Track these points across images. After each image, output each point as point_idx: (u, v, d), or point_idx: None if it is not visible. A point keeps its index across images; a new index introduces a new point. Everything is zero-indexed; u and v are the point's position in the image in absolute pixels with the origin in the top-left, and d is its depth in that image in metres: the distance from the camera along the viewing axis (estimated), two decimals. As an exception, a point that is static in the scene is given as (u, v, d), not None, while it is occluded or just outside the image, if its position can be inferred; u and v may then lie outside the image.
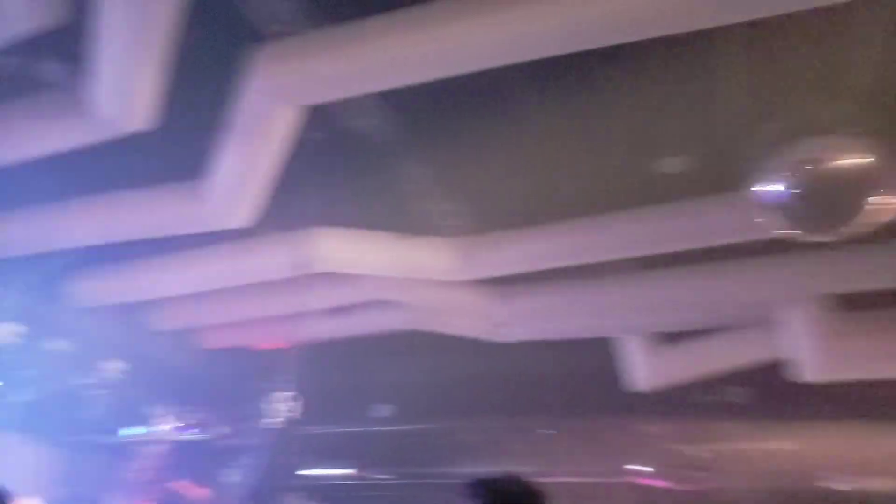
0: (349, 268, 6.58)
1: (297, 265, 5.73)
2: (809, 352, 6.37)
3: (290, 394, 4.92)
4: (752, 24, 3.85)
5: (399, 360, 8.98)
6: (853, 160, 3.88)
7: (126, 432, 8.62)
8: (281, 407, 4.85)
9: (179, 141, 5.43)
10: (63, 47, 4.69)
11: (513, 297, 7.16)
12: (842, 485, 7.10)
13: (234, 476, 7.71)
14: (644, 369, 7.52)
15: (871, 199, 3.85)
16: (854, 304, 6.28)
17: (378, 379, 9.17)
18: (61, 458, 9.56)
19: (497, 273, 6.68)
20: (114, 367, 7.42)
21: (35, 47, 4.63)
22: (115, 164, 5.46)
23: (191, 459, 8.41)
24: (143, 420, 8.43)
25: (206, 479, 8.12)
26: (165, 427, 8.28)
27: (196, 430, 8.36)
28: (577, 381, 8.08)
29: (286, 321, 7.67)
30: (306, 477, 9.23)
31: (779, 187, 3.95)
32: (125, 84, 4.47)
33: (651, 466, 7.98)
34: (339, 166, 5.79)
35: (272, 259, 6.38)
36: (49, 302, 6.84)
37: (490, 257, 6.51)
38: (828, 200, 4.11)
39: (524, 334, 7.52)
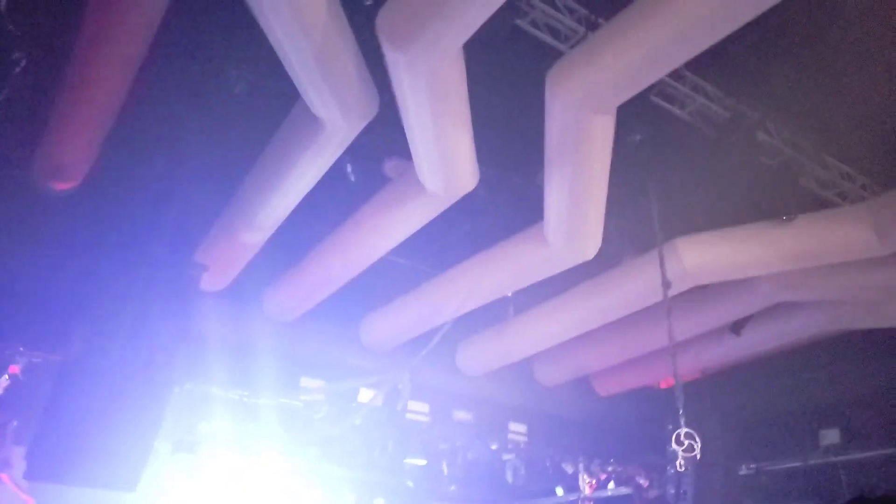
0: (731, 272, 5.50)
1: (670, 283, 4.94)
2: None
3: (685, 431, 4.09)
4: None
5: (838, 371, 7.29)
6: None
7: (559, 492, 8.55)
8: (682, 447, 4.06)
9: (501, 189, 5.25)
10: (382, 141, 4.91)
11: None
12: None
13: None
14: None
15: None
16: None
17: (817, 398, 7.55)
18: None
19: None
20: (518, 430, 7.38)
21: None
22: (455, 229, 5.47)
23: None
24: (561, 479, 8.25)
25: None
26: (586, 484, 7.95)
27: (618, 484, 7.82)
28: None
29: (682, 351, 6.81)
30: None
31: None
32: (444, 158, 4.41)
33: None
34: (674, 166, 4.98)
35: (641, 284, 5.65)
36: (449, 375, 7.12)
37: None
38: None
39: None
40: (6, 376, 5.73)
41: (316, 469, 7.54)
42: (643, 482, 7.45)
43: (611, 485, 7.85)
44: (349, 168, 4.93)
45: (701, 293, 6.06)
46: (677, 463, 4.12)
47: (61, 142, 5.14)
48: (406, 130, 4.29)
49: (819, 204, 5.46)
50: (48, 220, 5.43)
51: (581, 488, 8.06)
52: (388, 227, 5.15)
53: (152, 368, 4.99)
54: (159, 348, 5.07)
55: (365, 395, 6.67)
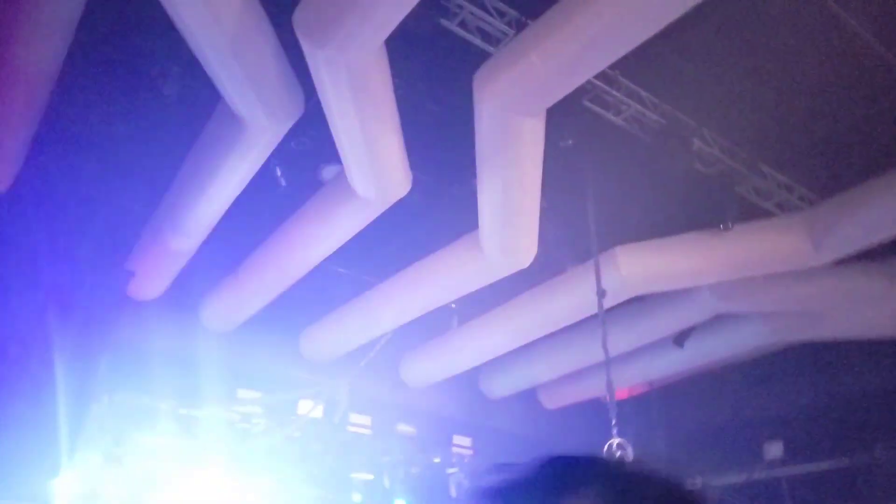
0: (670, 282, 5.48)
1: (605, 293, 4.89)
2: None
3: (617, 441, 4.02)
4: None
5: (781, 384, 7.32)
6: None
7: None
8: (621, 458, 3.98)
9: (439, 196, 5.19)
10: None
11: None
12: None
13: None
14: None
15: None
16: None
17: (761, 411, 7.56)
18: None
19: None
20: (463, 443, 7.26)
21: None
22: (388, 238, 5.38)
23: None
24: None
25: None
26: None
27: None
28: None
29: (627, 363, 6.78)
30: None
31: None
32: (373, 161, 4.31)
33: None
34: (611, 173, 4.96)
35: (581, 294, 5.60)
36: (392, 388, 7.00)
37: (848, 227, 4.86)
38: None
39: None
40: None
41: (257, 483, 7.33)
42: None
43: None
44: (278, 172, 4.81)
45: (642, 304, 6.04)
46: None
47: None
48: (333, 132, 4.20)
49: (757, 213, 5.49)
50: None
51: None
52: (320, 235, 5.04)
53: (71, 377, 4.80)
54: (80, 357, 4.88)
55: (304, 407, 6.51)
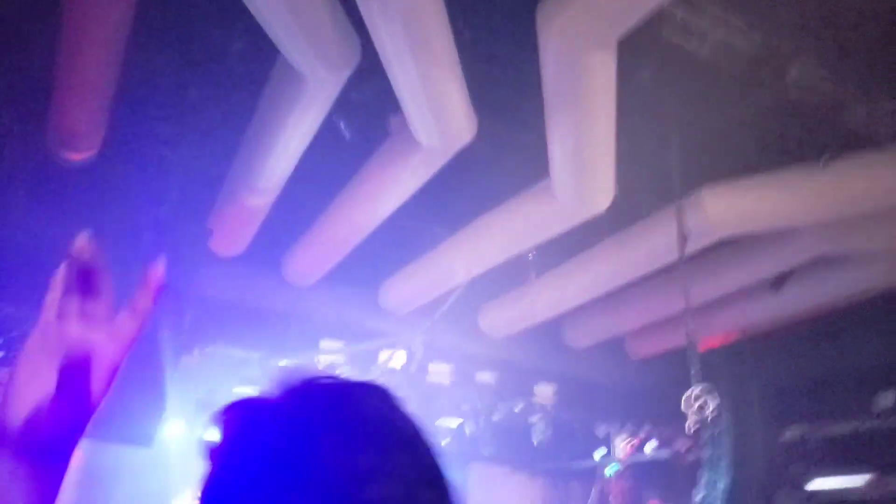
0: (762, 224, 5.09)
1: (688, 236, 4.60)
2: None
3: (698, 390, 3.83)
4: None
5: (891, 332, 6.74)
6: None
7: (597, 455, 8.37)
8: (701, 408, 3.81)
9: (508, 142, 4.99)
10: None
11: None
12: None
13: (702, 491, 6.60)
14: None
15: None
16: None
17: (870, 359, 7.02)
18: (537, 485, 9.85)
19: None
20: (545, 392, 7.17)
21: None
22: (459, 189, 5.25)
23: (655, 478, 7.62)
24: (599, 442, 8.05)
25: (676, 498, 7.19)
26: (622, 447, 7.72)
27: (657, 448, 7.54)
28: None
29: (719, 310, 6.44)
30: (812, 490, 7.47)
31: None
32: (434, 107, 4.17)
33: None
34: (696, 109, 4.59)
35: (664, 239, 5.30)
36: (471, 338, 6.96)
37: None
38: None
39: None
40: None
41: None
42: (681, 447, 7.13)
43: (648, 448, 7.57)
44: (342, 125, 4.75)
45: (735, 247, 5.67)
46: (686, 426, 3.88)
47: (66, 112, 5.15)
48: (391, 81, 4.07)
49: (863, 146, 4.97)
50: (60, 189, 5.48)
51: (615, 452, 7.83)
52: (387, 187, 4.97)
53: (160, 331, 5.02)
54: (166, 311, 5.09)
55: (384, 356, 6.60)
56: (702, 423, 3.86)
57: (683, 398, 3.93)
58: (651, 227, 5.43)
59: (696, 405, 3.82)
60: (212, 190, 5.66)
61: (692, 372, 4.03)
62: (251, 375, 6.24)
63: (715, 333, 6.93)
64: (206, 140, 5.43)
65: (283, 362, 6.36)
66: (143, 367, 5.01)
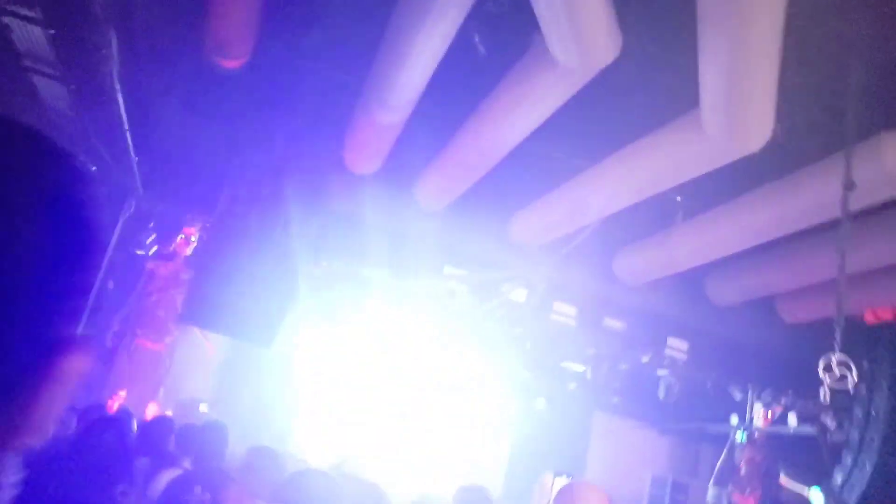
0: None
1: (855, 185, 3.96)
2: None
3: (839, 358, 3.35)
4: None
5: None
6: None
7: (734, 420, 7.83)
8: (831, 376, 3.36)
9: (655, 65, 4.51)
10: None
11: None
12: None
13: (845, 472, 5.94)
14: None
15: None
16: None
17: None
18: (665, 443, 9.45)
19: None
20: (678, 346, 6.69)
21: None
22: (600, 118, 4.86)
23: (790, 453, 6.96)
24: (734, 406, 7.47)
25: (814, 477, 6.55)
26: (759, 415, 7.11)
27: (799, 421, 6.86)
28: None
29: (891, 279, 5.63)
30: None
31: None
32: (573, 21, 3.82)
33: None
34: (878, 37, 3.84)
35: (824, 192, 4.63)
36: (603, 281, 6.62)
37: None
38: None
39: None
40: (181, 236, 6.39)
41: (468, 358, 7.60)
42: (830, 423, 6.43)
43: (791, 419, 6.90)
44: (476, 39, 4.51)
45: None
46: (821, 393, 3.42)
47: (221, 21, 5.34)
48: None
49: None
50: (211, 98, 5.75)
51: (753, 419, 7.23)
52: (520, 110, 4.69)
53: (287, 238, 5.20)
54: (295, 221, 5.25)
55: (508, 289, 6.44)
56: (841, 395, 3.39)
57: (821, 363, 3.46)
58: (815, 174, 4.76)
59: (837, 373, 3.35)
60: (348, 102, 5.69)
61: (836, 337, 3.52)
62: (373, 293, 6.37)
63: (886, 304, 6.09)
64: (346, 50, 5.43)
65: (407, 283, 6.41)
66: (270, 272, 5.24)
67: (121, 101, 4.46)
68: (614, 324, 6.53)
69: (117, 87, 4.34)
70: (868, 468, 5.65)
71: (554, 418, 8.56)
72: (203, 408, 6.78)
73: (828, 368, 3.43)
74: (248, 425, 6.25)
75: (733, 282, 6.62)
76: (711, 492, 7.48)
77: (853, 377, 3.38)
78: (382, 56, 4.79)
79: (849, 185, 3.82)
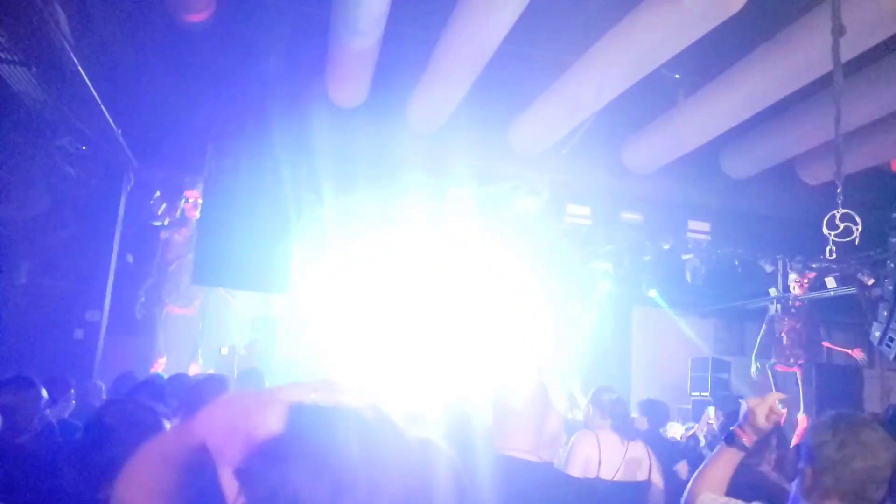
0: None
1: (844, 30, 3.67)
2: None
3: (843, 212, 3.20)
4: None
5: None
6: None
7: (773, 292, 7.68)
8: (835, 231, 3.22)
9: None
10: None
11: None
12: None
13: (883, 325, 5.79)
14: None
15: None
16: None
17: None
18: (709, 326, 9.39)
19: None
20: (699, 228, 6.50)
21: None
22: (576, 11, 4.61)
23: (830, 315, 6.83)
24: (768, 279, 7.32)
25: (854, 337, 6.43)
26: (795, 283, 6.93)
27: (837, 283, 6.68)
28: None
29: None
30: None
31: None
32: None
33: None
34: None
35: (818, 44, 4.32)
36: (614, 176, 6.44)
37: None
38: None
39: None
40: (187, 200, 6.44)
41: (494, 280, 7.59)
42: (867, 279, 6.24)
43: (830, 282, 6.72)
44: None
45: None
46: (827, 250, 3.29)
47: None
48: None
49: None
50: (185, 52, 5.64)
51: (790, 288, 7.07)
52: (490, 7, 4.45)
53: (279, 184, 5.17)
54: (284, 162, 5.21)
55: (516, 198, 6.33)
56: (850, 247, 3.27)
57: (826, 219, 3.31)
58: (806, 27, 4.45)
59: (841, 227, 3.20)
60: (322, 38, 5.53)
61: (838, 191, 3.34)
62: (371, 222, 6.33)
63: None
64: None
65: (406, 212, 6.37)
66: (267, 219, 5.25)
67: (85, 75, 4.40)
68: (632, 217, 6.36)
69: (76, 63, 4.27)
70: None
71: (592, 321, 8.52)
72: (241, 350, 6.94)
73: (831, 225, 3.28)
74: (280, 370, 6.43)
75: (748, 152, 6.36)
76: (754, 366, 7.42)
77: (857, 230, 3.23)
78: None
79: (838, 31, 3.54)
